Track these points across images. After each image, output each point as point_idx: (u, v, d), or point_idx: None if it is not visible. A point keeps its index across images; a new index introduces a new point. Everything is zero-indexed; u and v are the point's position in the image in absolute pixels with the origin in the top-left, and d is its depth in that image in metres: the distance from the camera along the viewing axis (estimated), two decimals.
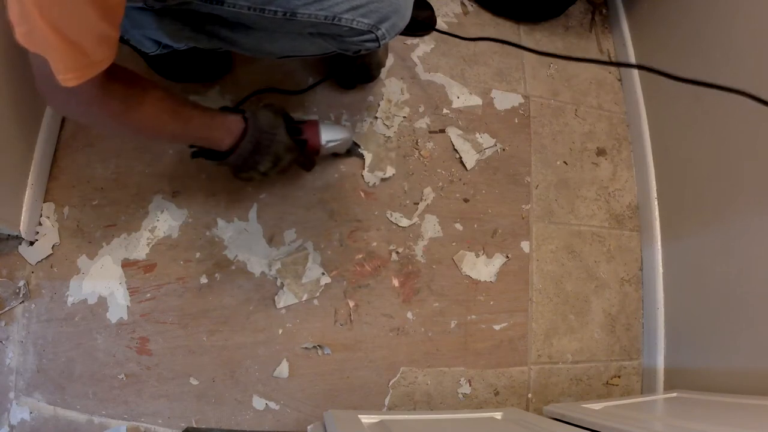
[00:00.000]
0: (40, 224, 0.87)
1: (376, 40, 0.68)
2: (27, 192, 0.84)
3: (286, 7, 0.61)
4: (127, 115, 0.59)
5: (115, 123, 0.60)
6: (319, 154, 0.88)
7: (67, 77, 0.46)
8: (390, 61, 1.07)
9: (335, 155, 0.97)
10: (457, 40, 1.07)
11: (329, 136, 0.86)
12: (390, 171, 1.00)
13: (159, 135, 0.69)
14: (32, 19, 0.41)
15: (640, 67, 1.01)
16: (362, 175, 0.99)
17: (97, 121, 0.63)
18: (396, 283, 0.98)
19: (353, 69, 0.97)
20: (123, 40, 0.73)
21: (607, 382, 1.06)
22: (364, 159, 1.00)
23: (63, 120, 0.92)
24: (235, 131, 0.72)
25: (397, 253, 0.99)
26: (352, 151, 0.99)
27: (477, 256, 1.03)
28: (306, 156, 0.86)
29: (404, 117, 1.05)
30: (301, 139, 0.83)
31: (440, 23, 1.13)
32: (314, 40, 0.71)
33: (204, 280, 0.90)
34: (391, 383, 0.94)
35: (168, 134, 0.68)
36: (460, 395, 0.97)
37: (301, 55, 0.77)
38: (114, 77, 0.54)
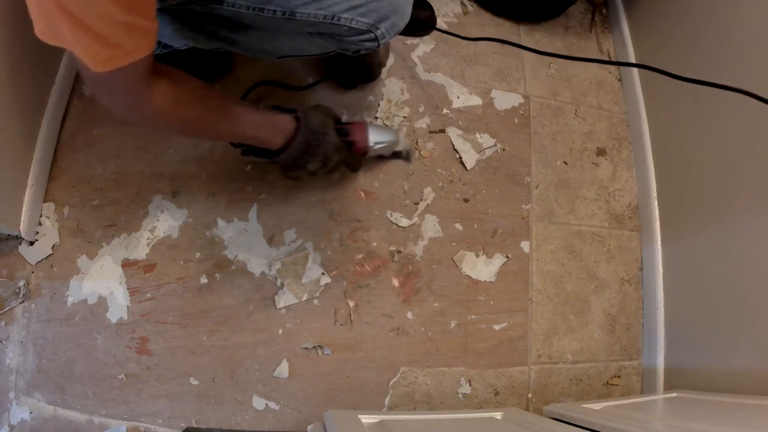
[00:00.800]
0: (40, 224, 0.87)
1: (376, 39, 0.67)
2: (27, 192, 0.84)
3: (285, 7, 0.61)
4: (176, 114, 0.59)
5: (165, 121, 0.60)
6: (366, 155, 0.89)
7: (97, 64, 0.46)
8: (390, 61, 1.07)
9: (381, 157, 0.98)
10: (458, 39, 1.07)
11: (376, 137, 0.87)
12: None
13: (208, 134, 0.70)
14: (54, 15, 0.41)
15: (640, 65, 1.01)
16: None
17: (147, 120, 0.62)
18: (396, 283, 0.98)
19: (354, 68, 0.97)
20: None
21: (607, 382, 1.06)
22: (410, 162, 1.01)
23: (63, 120, 0.92)
24: (286, 131, 0.72)
25: (397, 253, 0.99)
26: (396, 153, 0.99)
27: (477, 256, 1.03)
28: (353, 157, 0.86)
29: (404, 117, 1.05)
30: (349, 140, 0.83)
31: (440, 23, 1.13)
32: (314, 40, 0.71)
33: (204, 280, 0.90)
34: (391, 383, 0.94)
35: (218, 133, 0.69)
36: (460, 395, 0.97)
37: (300, 55, 0.77)
38: (162, 76, 0.55)
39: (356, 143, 0.85)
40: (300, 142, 0.72)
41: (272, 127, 0.71)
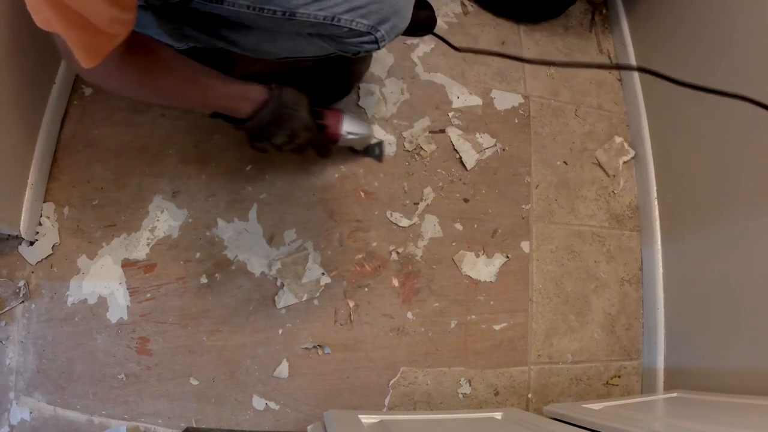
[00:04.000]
0: (40, 224, 0.87)
1: (376, 41, 0.68)
2: (27, 192, 0.84)
3: (286, 7, 0.61)
4: (145, 84, 0.61)
5: (136, 90, 0.63)
6: (336, 143, 0.87)
7: (87, 60, 0.48)
8: (390, 60, 1.07)
9: (353, 150, 0.96)
10: (458, 39, 1.07)
11: (350, 127, 0.86)
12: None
13: (178, 103, 0.73)
14: (45, 9, 0.43)
15: (641, 69, 1.01)
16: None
17: (118, 90, 0.65)
18: (396, 283, 0.98)
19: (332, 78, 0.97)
20: None
21: (607, 382, 1.06)
22: (381, 162, 0.99)
23: (63, 120, 0.92)
24: (256, 101, 0.72)
25: (397, 253, 0.99)
26: (369, 151, 0.97)
27: (477, 256, 1.03)
28: (323, 141, 0.85)
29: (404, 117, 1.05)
30: (322, 123, 0.82)
31: (440, 23, 1.13)
32: (313, 41, 0.71)
33: (204, 280, 0.90)
34: (391, 383, 0.94)
35: (187, 102, 0.71)
36: (460, 395, 0.97)
37: (300, 57, 0.77)
38: (133, 47, 0.55)
39: (328, 128, 0.84)
40: (268, 113, 0.73)
41: (242, 98, 0.72)
